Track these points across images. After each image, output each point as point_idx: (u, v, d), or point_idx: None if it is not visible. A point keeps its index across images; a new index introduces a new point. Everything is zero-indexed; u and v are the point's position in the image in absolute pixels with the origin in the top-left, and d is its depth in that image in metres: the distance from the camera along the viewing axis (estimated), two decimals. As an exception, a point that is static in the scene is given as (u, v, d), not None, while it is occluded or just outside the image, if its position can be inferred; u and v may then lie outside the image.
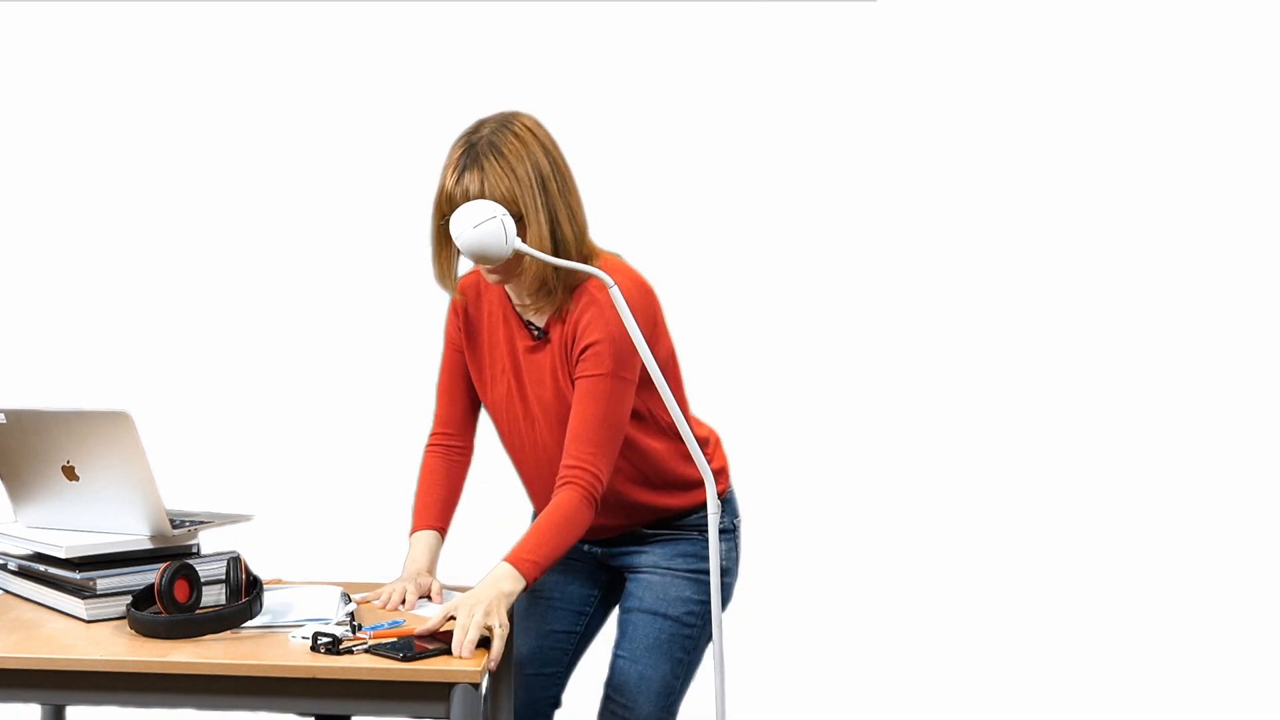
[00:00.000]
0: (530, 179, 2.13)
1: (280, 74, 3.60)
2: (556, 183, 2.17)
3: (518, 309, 2.26)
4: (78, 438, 2.09)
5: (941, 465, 3.52)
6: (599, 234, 3.48)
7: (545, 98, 3.59)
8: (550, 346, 2.22)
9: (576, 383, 2.16)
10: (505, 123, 2.17)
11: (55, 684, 1.91)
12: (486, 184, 2.12)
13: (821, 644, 3.48)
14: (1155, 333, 3.50)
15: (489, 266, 2.14)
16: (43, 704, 2.38)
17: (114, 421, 2.04)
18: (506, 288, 2.24)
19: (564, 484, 2.11)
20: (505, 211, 2.35)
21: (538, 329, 2.24)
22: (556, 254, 2.14)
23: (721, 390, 3.52)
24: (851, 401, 3.55)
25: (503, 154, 2.13)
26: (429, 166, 3.56)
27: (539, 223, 2.13)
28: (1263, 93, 3.47)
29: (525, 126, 2.18)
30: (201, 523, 2.26)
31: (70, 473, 2.13)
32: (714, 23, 3.55)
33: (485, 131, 2.17)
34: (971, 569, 3.49)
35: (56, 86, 3.65)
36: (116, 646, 1.94)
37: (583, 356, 2.16)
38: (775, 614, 3.46)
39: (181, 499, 2.49)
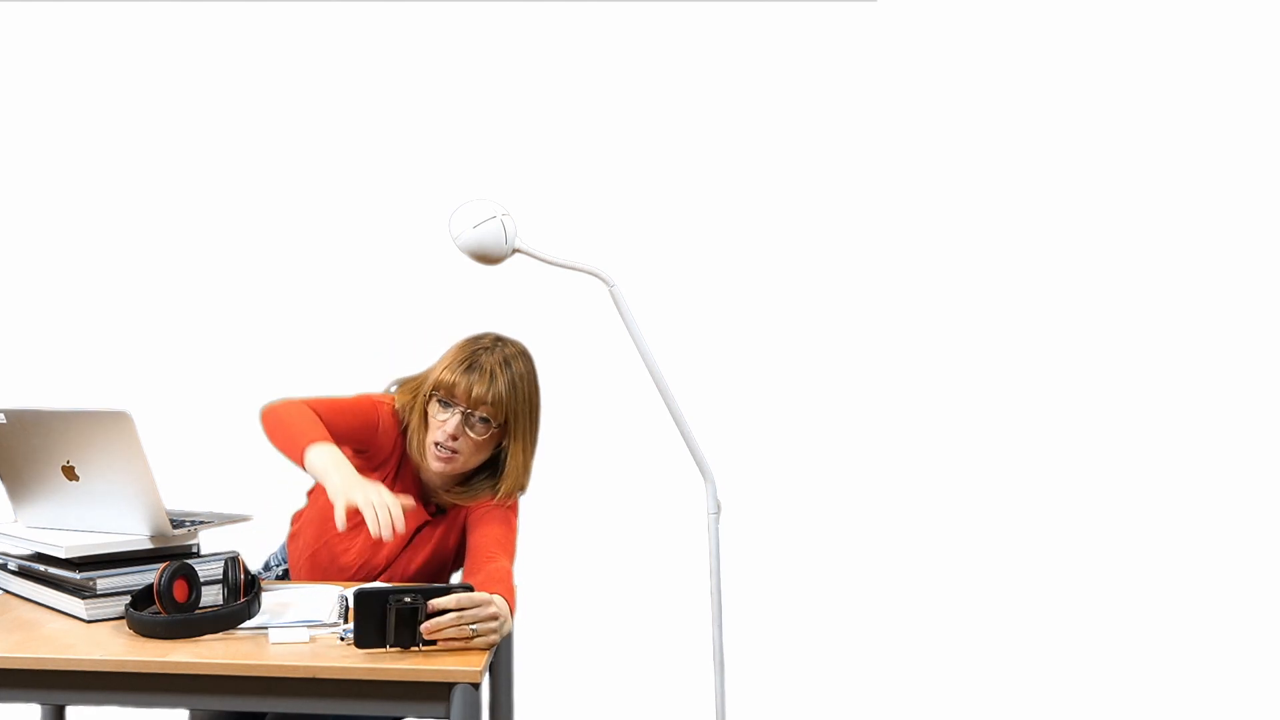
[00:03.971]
0: (525, 398, 2.33)
1: (280, 76, 3.60)
2: (537, 415, 2.38)
3: (424, 484, 2.41)
4: (78, 438, 2.09)
5: (938, 467, 3.52)
6: (599, 234, 3.50)
7: (544, 98, 3.60)
8: (445, 521, 2.40)
9: (480, 508, 2.34)
10: (508, 342, 2.37)
11: (55, 684, 1.91)
12: (492, 387, 2.28)
13: (819, 644, 3.48)
14: (1153, 334, 3.50)
15: (451, 448, 2.30)
16: (43, 704, 2.38)
17: (114, 421, 2.04)
18: (426, 467, 2.36)
19: (492, 561, 2.21)
20: (506, 211, 2.36)
21: (440, 507, 2.41)
22: (519, 477, 2.35)
23: (721, 390, 3.53)
24: (850, 404, 3.55)
25: (509, 366, 2.32)
26: (430, 170, 3.58)
27: (524, 437, 2.34)
28: (1263, 93, 3.46)
29: (524, 353, 2.38)
30: (201, 523, 2.26)
31: (70, 473, 2.13)
32: (714, 23, 3.55)
33: (493, 343, 2.35)
34: (968, 570, 3.49)
35: (56, 86, 3.65)
36: (116, 646, 1.94)
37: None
38: (774, 614, 3.47)
39: (181, 499, 2.49)
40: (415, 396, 2.36)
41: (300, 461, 2.19)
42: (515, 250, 2.38)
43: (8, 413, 2.13)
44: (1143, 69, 3.49)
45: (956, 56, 3.52)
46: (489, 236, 2.34)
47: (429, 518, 2.41)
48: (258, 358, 3.61)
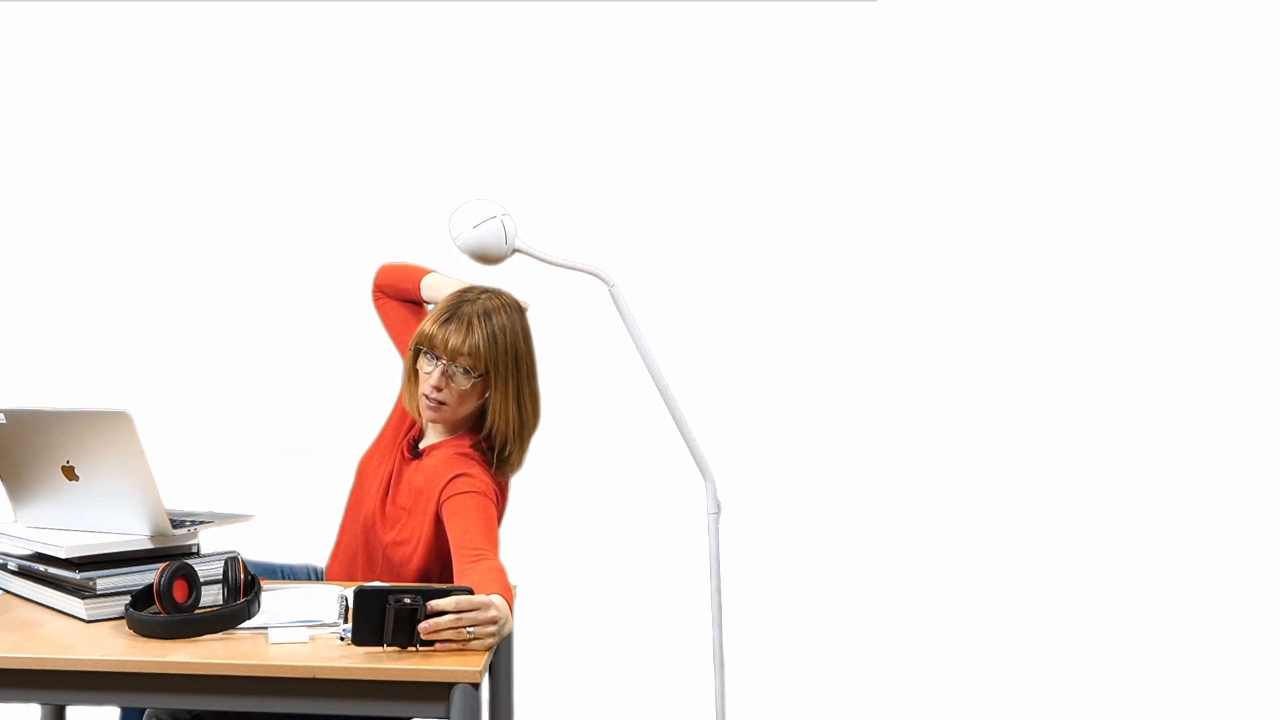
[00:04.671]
0: (507, 349, 2.34)
1: (280, 76, 3.60)
2: (525, 364, 2.38)
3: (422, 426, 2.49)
4: (78, 438, 2.09)
5: (938, 467, 3.52)
6: (599, 234, 3.49)
7: (544, 98, 3.60)
8: (420, 468, 2.41)
9: (454, 498, 2.31)
10: (496, 294, 2.39)
11: (55, 684, 1.91)
12: (469, 338, 2.31)
13: (819, 644, 3.48)
14: (1153, 336, 3.50)
15: (437, 399, 2.35)
16: (43, 704, 2.39)
17: (114, 421, 2.04)
18: (422, 420, 2.45)
19: (482, 559, 2.20)
20: (506, 211, 2.37)
21: (417, 450, 2.45)
22: (520, 427, 2.38)
23: (721, 390, 3.53)
24: (850, 404, 3.55)
25: (490, 318, 2.34)
26: (431, 170, 3.58)
27: (506, 387, 2.35)
28: (1263, 93, 3.47)
29: (512, 305, 2.40)
30: (201, 523, 2.26)
31: (70, 473, 2.13)
32: (714, 23, 3.55)
33: (478, 296, 2.37)
34: (969, 570, 3.49)
35: (56, 86, 3.65)
36: (116, 646, 1.94)
37: (454, 480, 2.33)
38: (774, 614, 3.47)
39: (181, 499, 2.49)
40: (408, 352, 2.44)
41: (418, 288, 2.54)
42: (515, 250, 2.39)
43: (8, 413, 2.13)
44: (1144, 68, 3.49)
45: (956, 56, 3.52)
46: (489, 236, 2.34)
47: (409, 456, 2.46)
48: (258, 358, 3.61)
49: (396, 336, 2.62)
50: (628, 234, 3.51)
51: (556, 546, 3.40)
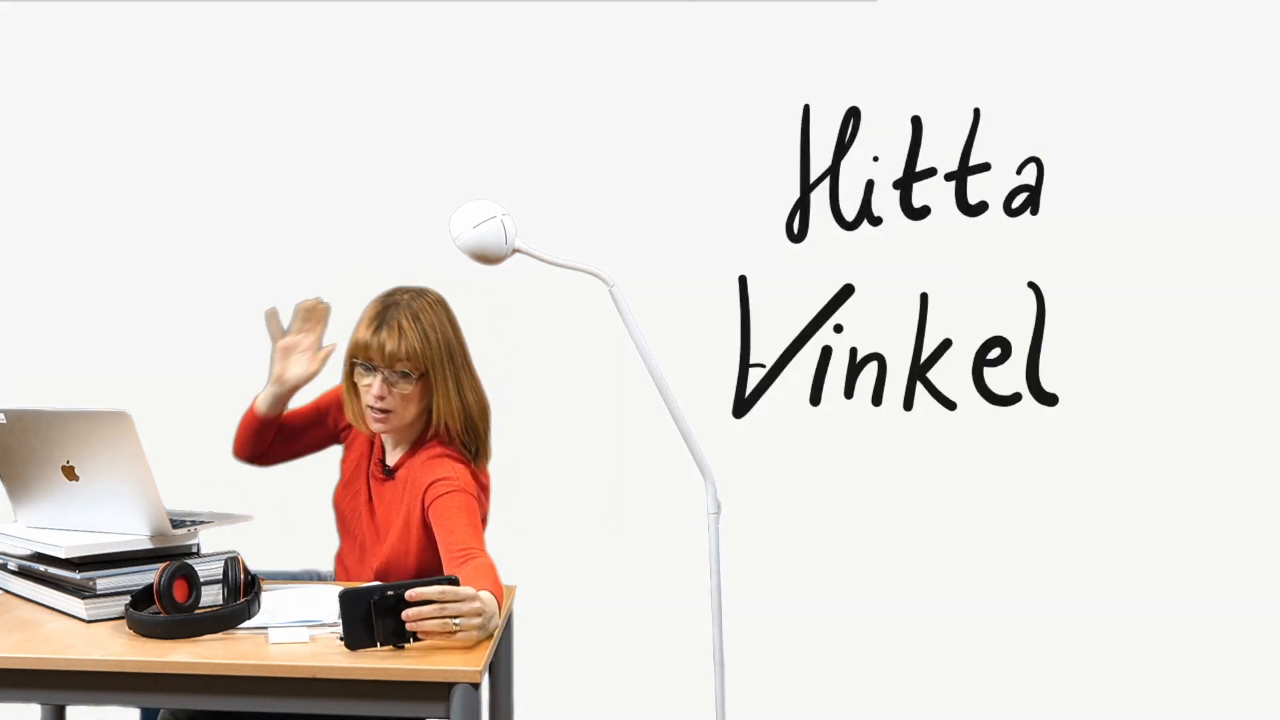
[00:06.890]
0: (440, 346, 2.35)
1: (280, 76, 3.60)
2: (459, 355, 2.39)
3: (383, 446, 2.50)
4: (78, 438, 2.09)
5: (939, 466, 3.52)
6: (599, 234, 3.49)
7: (544, 98, 3.60)
8: (396, 483, 2.43)
9: (436, 501, 2.31)
10: (421, 294, 2.41)
11: (55, 684, 1.92)
12: (404, 341, 2.33)
13: (820, 644, 3.48)
14: (1155, 338, 3.50)
15: (382, 408, 2.35)
16: (43, 704, 2.39)
17: (114, 421, 2.04)
18: (369, 431, 2.46)
19: (471, 558, 2.19)
20: (506, 211, 2.38)
21: (388, 468, 2.46)
22: (465, 419, 2.38)
23: (721, 390, 3.53)
24: (851, 403, 3.55)
25: (419, 319, 2.36)
26: (431, 170, 3.58)
27: (445, 383, 2.36)
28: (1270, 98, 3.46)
29: (439, 302, 2.42)
30: (201, 523, 2.27)
31: (70, 473, 2.13)
32: (714, 23, 3.55)
33: (403, 298, 2.39)
34: (970, 570, 3.49)
35: (56, 86, 3.65)
36: (116, 646, 1.95)
37: (433, 484, 2.33)
38: (774, 614, 3.47)
39: (181, 499, 2.49)
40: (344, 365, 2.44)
41: (256, 413, 2.62)
42: (515, 250, 2.39)
43: (8, 413, 2.13)
44: (1147, 70, 3.48)
45: (957, 57, 3.51)
46: (489, 236, 2.34)
47: (382, 476, 2.46)
48: (258, 358, 3.60)
49: (329, 426, 2.63)
50: (628, 234, 3.51)
51: (557, 546, 3.39)
